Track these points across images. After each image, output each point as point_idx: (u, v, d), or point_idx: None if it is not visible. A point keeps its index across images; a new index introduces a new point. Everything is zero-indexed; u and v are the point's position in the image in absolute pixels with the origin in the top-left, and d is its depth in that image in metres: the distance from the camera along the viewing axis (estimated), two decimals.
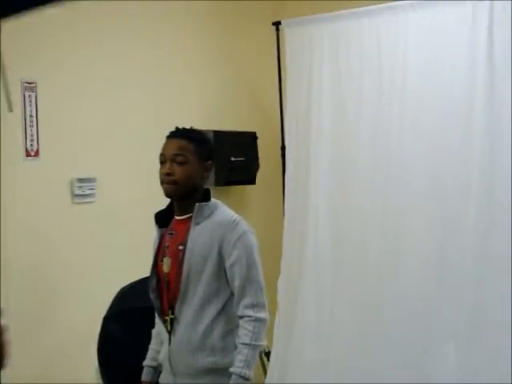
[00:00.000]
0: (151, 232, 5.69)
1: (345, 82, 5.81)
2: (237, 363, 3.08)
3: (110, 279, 5.08)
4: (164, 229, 3.38)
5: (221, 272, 3.16)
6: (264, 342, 3.15)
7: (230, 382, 3.09)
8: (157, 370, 3.48)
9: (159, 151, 3.33)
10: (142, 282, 4.58)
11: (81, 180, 5.36)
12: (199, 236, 3.19)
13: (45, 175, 5.22)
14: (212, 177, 3.39)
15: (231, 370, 3.08)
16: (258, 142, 6.42)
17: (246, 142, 6.33)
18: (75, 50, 5.39)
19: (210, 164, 3.30)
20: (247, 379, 3.09)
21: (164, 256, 3.31)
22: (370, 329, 5.47)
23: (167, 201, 3.41)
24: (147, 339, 4.56)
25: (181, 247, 3.21)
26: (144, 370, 3.53)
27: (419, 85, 5.38)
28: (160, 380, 3.41)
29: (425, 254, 5.29)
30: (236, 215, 3.26)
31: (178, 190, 3.23)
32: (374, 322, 5.47)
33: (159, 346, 3.45)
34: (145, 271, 4.59)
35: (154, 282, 3.33)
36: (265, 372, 5.63)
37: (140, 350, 4.53)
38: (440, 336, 5.18)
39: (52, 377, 5.26)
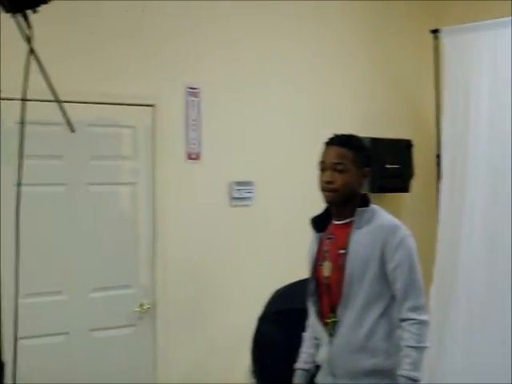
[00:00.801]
0: (307, 235, 5.79)
1: (503, 92, 5.71)
2: (405, 366, 3.09)
3: (266, 280, 5.17)
4: (321, 233, 3.41)
5: (382, 275, 3.19)
6: (428, 344, 3.15)
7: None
8: (309, 372, 3.53)
9: (315, 157, 3.37)
10: (298, 283, 4.63)
11: (239, 183, 5.51)
12: (361, 240, 3.22)
13: (205, 178, 5.40)
14: (367, 183, 3.42)
15: (400, 372, 3.10)
16: (414, 149, 6.39)
17: (401, 150, 6.31)
18: (235, 57, 5.56)
19: (368, 171, 3.33)
20: (416, 381, 3.10)
21: (324, 260, 3.34)
22: None
23: (322, 204, 3.44)
24: (300, 341, 4.66)
25: (341, 251, 3.24)
26: (296, 373, 3.58)
27: None
28: (317, 380, 3.44)
29: None
30: (396, 220, 3.29)
31: (338, 197, 3.27)
32: None
33: (311, 349, 3.49)
34: (300, 273, 4.66)
35: (312, 286, 3.38)
36: None
37: (293, 351, 4.62)
38: None
39: (204, 374, 5.43)
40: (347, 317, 3.21)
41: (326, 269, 3.31)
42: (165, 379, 5.21)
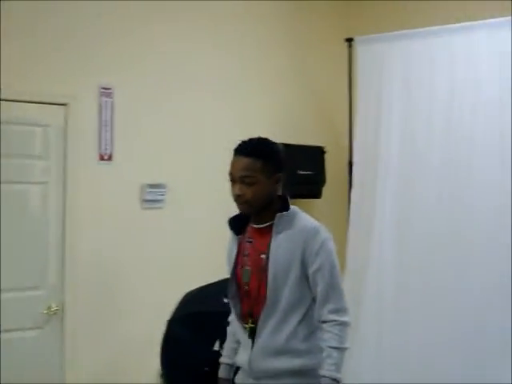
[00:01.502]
0: (219, 238, 5.79)
1: (415, 101, 5.83)
2: (327, 366, 3.11)
3: (176, 283, 5.15)
4: (240, 236, 3.40)
5: (303, 279, 3.19)
6: (348, 345, 3.19)
7: None
8: (232, 367, 3.52)
9: (228, 161, 3.30)
10: (208, 286, 4.68)
11: (151, 185, 5.48)
12: (281, 245, 3.20)
13: (117, 179, 5.35)
14: (280, 187, 3.40)
15: (323, 373, 3.11)
16: (326, 156, 6.46)
17: (314, 156, 6.37)
18: (150, 58, 5.53)
19: (280, 175, 3.30)
20: (338, 382, 3.12)
21: (244, 264, 3.32)
22: (432, 342, 5.47)
23: (235, 208, 3.41)
24: (210, 343, 4.67)
25: (262, 256, 3.23)
26: (221, 367, 3.55)
27: (492, 96, 5.39)
28: (236, 380, 3.44)
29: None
30: (315, 222, 3.28)
31: (250, 208, 3.25)
32: (437, 337, 5.46)
33: (235, 343, 3.50)
34: (210, 276, 4.70)
35: (233, 289, 3.38)
36: None
37: (202, 353, 4.63)
38: None
39: (114, 375, 5.38)
40: (268, 322, 3.22)
41: (246, 275, 3.30)
42: (73, 381, 5.15)
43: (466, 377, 5.26)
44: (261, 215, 3.28)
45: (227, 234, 5.77)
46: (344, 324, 3.17)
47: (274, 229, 3.24)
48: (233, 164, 3.25)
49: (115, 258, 5.37)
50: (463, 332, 5.39)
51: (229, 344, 3.51)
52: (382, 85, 6.02)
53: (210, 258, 5.76)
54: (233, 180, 3.25)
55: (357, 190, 6.14)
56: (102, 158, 5.26)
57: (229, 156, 3.42)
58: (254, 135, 3.42)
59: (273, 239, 3.23)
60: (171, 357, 4.64)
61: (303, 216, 3.30)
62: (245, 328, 3.29)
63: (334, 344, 3.12)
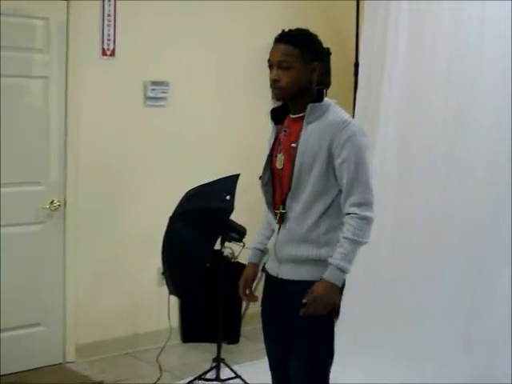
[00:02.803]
0: (221, 137, 5.81)
1: (423, 9, 5.70)
2: (336, 255, 3.17)
3: (178, 182, 5.18)
4: (279, 126, 3.45)
5: (330, 170, 3.24)
6: (367, 240, 3.22)
7: (326, 271, 3.18)
8: (264, 252, 3.58)
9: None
10: (209, 184, 4.73)
11: (154, 83, 5.42)
12: (310, 135, 3.26)
13: (119, 76, 5.30)
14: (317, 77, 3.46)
15: (330, 260, 3.17)
16: (332, 57, 6.36)
17: None
18: None
19: (317, 65, 3.32)
20: (344, 272, 3.19)
21: (278, 152, 3.39)
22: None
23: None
24: (211, 239, 4.72)
25: (293, 145, 3.30)
26: (252, 252, 3.63)
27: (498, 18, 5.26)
28: (266, 266, 3.51)
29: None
30: (348, 115, 3.30)
31: (284, 94, 3.30)
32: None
33: (268, 231, 3.55)
34: (212, 175, 4.71)
35: (266, 177, 3.44)
36: None
37: (203, 249, 4.69)
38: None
39: (114, 273, 5.45)
40: (294, 209, 3.30)
41: (279, 161, 3.37)
42: (73, 277, 5.21)
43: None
44: (296, 104, 3.32)
45: (229, 131, 5.82)
46: (364, 218, 3.20)
47: (305, 119, 3.29)
48: (272, 51, 3.33)
49: (117, 155, 5.36)
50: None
51: (262, 231, 3.57)
52: None
53: (212, 157, 5.78)
54: (271, 66, 3.32)
55: (362, 93, 6.07)
56: (104, 54, 5.19)
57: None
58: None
59: (303, 129, 3.28)
60: (172, 253, 4.69)
61: (336, 109, 3.32)
62: (275, 214, 3.38)
63: (348, 235, 3.17)
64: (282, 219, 3.35)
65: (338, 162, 3.22)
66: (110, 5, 5.17)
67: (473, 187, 5.34)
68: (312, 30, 5.99)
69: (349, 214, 3.21)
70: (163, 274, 4.83)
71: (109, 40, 5.19)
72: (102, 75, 5.21)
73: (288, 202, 3.32)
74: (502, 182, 5.21)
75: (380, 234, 5.38)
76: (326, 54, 5.62)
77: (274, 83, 3.29)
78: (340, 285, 3.20)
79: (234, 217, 4.78)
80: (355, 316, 5.62)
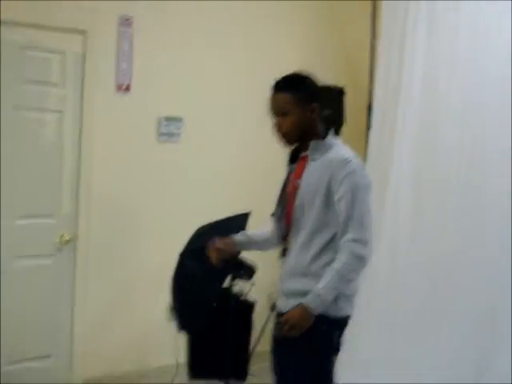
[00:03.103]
0: (233, 174, 5.81)
1: (439, 44, 5.71)
2: (319, 284, 3.19)
3: (189, 218, 5.16)
4: (293, 165, 3.54)
5: (330, 206, 3.30)
6: (355, 278, 3.26)
7: (307, 296, 3.19)
8: (248, 242, 3.70)
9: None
10: (221, 222, 4.69)
11: (168, 119, 5.44)
12: (313, 172, 3.36)
13: (134, 110, 5.33)
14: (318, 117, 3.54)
15: (314, 287, 3.19)
16: (346, 97, 6.38)
17: (333, 96, 6.29)
18: None
19: (315, 105, 3.41)
20: (322, 301, 3.18)
21: (288, 189, 3.52)
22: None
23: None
24: (220, 278, 4.69)
25: (297, 181, 3.41)
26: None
27: None
28: (277, 304, 3.51)
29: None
30: (350, 154, 3.37)
31: (288, 138, 3.42)
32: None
33: (259, 236, 3.68)
34: (223, 212, 4.70)
35: (278, 212, 3.52)
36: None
37: (211, 288, 4.67)
38: None
39: (123, 308, 5.43)
40: (296, 242, 3.36)
41: (285, 198, 3.48)
42: (82, 310, 5.19)
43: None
44: (305, 145, 3.42)
45: (242, 168, 5.82)
46: (357, 256, 3.20)
47: (309, 156, 3.40)
48: (270, 102, 3.45)
49: (129, 189, 5.37)
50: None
51: (255, 231, 3.72)
52: (406, 26, 5.89)
53: (224, 192, 5.78)
54: (273, 116, 3.43)
55: (375, 133, 6.06)
56: (119, 89, 5.22)
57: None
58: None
59: (307, 165, 3.39)
60: (181, 290, 4.67)
61: (340, 147, 3.41)
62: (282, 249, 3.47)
63: (336, 266, 3.19)
64: (284, 253, 3.43)
65: (336, 198, 3.27)
66: (126, 40, 5.21)
67: (488, 228, 5.31)
68: (327, 69, 6.06)
69: (343, 249, 3.22)
70: (171, 309, 4.81)
71: (124, 75, 5.22)
72: (116, 110, 5.24)
73: (290, 235, 3.40)
74: None
75: (393, 273, 5.36)
76: (337, 92, 5.71)
77: (276, 130, 3.40)
78: (316, 312, 3.19)
79: (244, 254, 4.77)
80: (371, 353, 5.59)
